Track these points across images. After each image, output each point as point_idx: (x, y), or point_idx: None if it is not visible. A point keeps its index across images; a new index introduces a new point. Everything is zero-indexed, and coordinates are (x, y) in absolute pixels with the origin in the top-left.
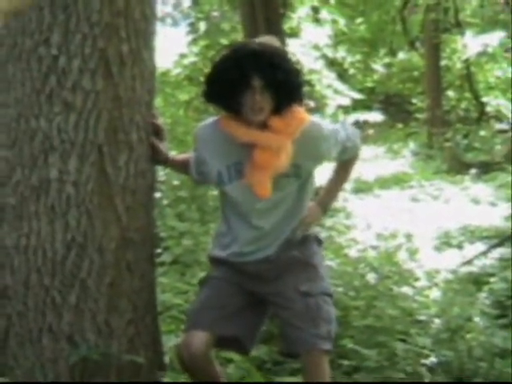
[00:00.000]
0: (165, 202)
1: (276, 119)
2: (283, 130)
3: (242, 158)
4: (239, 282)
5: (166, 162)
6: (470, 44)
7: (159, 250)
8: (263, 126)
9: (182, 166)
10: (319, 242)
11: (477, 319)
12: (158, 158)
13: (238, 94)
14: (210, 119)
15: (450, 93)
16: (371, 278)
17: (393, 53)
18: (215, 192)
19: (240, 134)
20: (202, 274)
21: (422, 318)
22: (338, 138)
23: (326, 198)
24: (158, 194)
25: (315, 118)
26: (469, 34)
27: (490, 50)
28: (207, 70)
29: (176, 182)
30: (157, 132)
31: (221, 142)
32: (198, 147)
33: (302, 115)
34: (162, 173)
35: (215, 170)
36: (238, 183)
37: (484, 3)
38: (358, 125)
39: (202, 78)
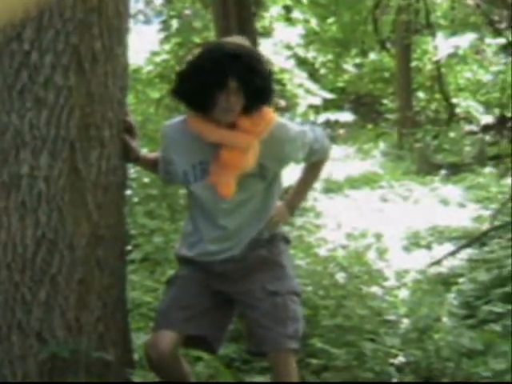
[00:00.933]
0: (135, 199)
1: (244, 119)
2: (251, 130)
3: (208, 158)
4: (206, 282)
5: (137, 159)
6: (440, 45)
7: (129, 248)
8: (231, 125)
9: (152, 165)
10: (287, 241)
11: (445, 319)
12: (129, 155)
13: (211, 95)
14: (177, 118)
15: (421, 94)
16: (340, 277)
17: (364, 53)
18: (185, 190)
19: (208, 132)
20: (171, 272)
21: (391, 317)
22: (305, 139)
23: (295, 198)
24: (128, 192)
25: (282, 120)
26: (440, 35)
27: (460, 51)
28: (179, 68)
29: (146, 180)
30: (128, 129)
31: (187, 141)
32: (165, 146)
33: (270, 115)
34: (132, 170)
35: (181, 170)
36: (203, 183)
37: (455, 5)
38: (329, 124)
39: (173, 76)
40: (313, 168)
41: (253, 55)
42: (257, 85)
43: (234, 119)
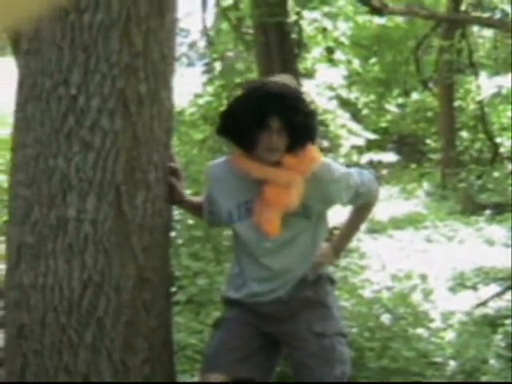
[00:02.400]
0: (179, 241)
1: (289, 157)
2: (295, 168)
3: (252, 197)
4: (253, 323)
5: (182, 202)
6: (483, 85)
7: (174, 290)
8: (276, 164)
9: (196, 208)
10: (332, 281)
11: (492, 361)
12: (174, 198)
13: (254, 133)
14: (222, 158)
15: (464, 133)
16: (386, 318)
17: (406, 93)
18: (230, 232)
19: (252, 169)
20: (216, 314)
21: (438, 359)
22: (349, 182)
23: (340, 240)
24: (173, 234)
25: (327, 160)
26: (482, 75)
27: (503, 91)
28: (223, 107)
29: (191, 222)
30: (173, 172)
31: (231, 180)
32: (209, 186)
33: (314, 154)
34: (176, 212)
35: (226, 210)
36: (247, 222)
37: (497, 44)
38: (372, 165)
39: (216, 118)
40: (360, 211)
41: (295, 95)
42: (299, 123)
43: (278, 158)
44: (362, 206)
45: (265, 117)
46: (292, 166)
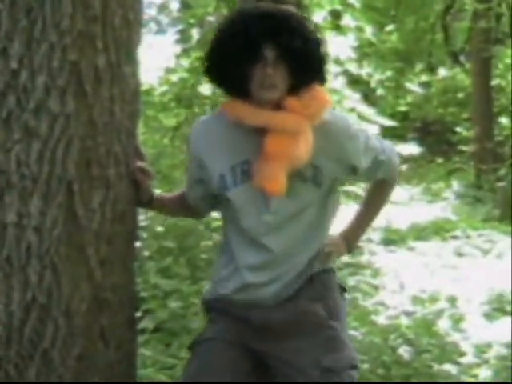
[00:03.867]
0: (146, 253)
1: (291, 99)
2: (300, 112)
3: (250, 157)
4: (241, 339)
5: (151, 202)
6: None
7: (139, 314)
8: (277, 108)
9: (171, 205)
10: (343, 289)
11: None
12: (141, 198)
13: (243, 67)
14: (209, 115)
15: (504, 120)
16: (405, 351)
17: (432, 69)
18: (209, 242)
19: (249, 116)
20: None
21: None
22: (368, 143)
23: (353, 229)
24: (138, 244)
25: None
26: None
27: None
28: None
29: (160, 229)
30: (139, 166)
31: (224, 137)
32: (194, 151)
33: (323, 96)
34: (142, 216)
35: (217, 173)
36: (243, 187)
37: None
38: None
39: (193, 99)
40: (378, 191)
41: (293, 15)
42: (299, 50)
43: (278, 100)
44: (381, 184)
45: (256, 44)
46: (296, 109)
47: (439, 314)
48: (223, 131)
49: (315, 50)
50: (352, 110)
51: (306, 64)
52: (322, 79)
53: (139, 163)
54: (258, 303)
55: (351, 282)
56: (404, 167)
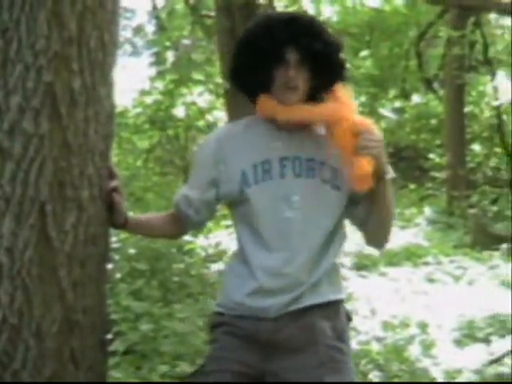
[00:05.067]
0: (118, 275)
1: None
2: (342, 101)
3: (271, 157)
4: (245, 361)
5: (125, 225)
6: (501, 87)
7: (110, 336)
8: None
9: (148, 226)
10: (349, 318)
11: None
12: (117, 219)
13: (266, 70)
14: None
15: (476, 147)
16: (375, 377)
17: (405, 95)
18: (181, 265)
19: (289, 111)
20: (163, 368)
21: None
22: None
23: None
24: (110, 266)
25: None
26: (500, 74)
27: None
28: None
29: (132, 251)
30: (113, 188)
31: (252, 136)
32: (215, 152)
33: (347, 100)
34: (114, 238)
35: (239, 172)
36: (264, 185)
37: None
38: None
39: (166, 121)
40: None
41: (314, 20)
42: (321, 53)
43: (296, 102)
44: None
45: (278, 47)
46: (342, 98)
47: (410, 339)
48: (250, 131)
49: (335, 53)
50: None
51: (326, 66)
52: (341, 82)
53: (114, 183)
54: (267, 312)
55: None
56: None
